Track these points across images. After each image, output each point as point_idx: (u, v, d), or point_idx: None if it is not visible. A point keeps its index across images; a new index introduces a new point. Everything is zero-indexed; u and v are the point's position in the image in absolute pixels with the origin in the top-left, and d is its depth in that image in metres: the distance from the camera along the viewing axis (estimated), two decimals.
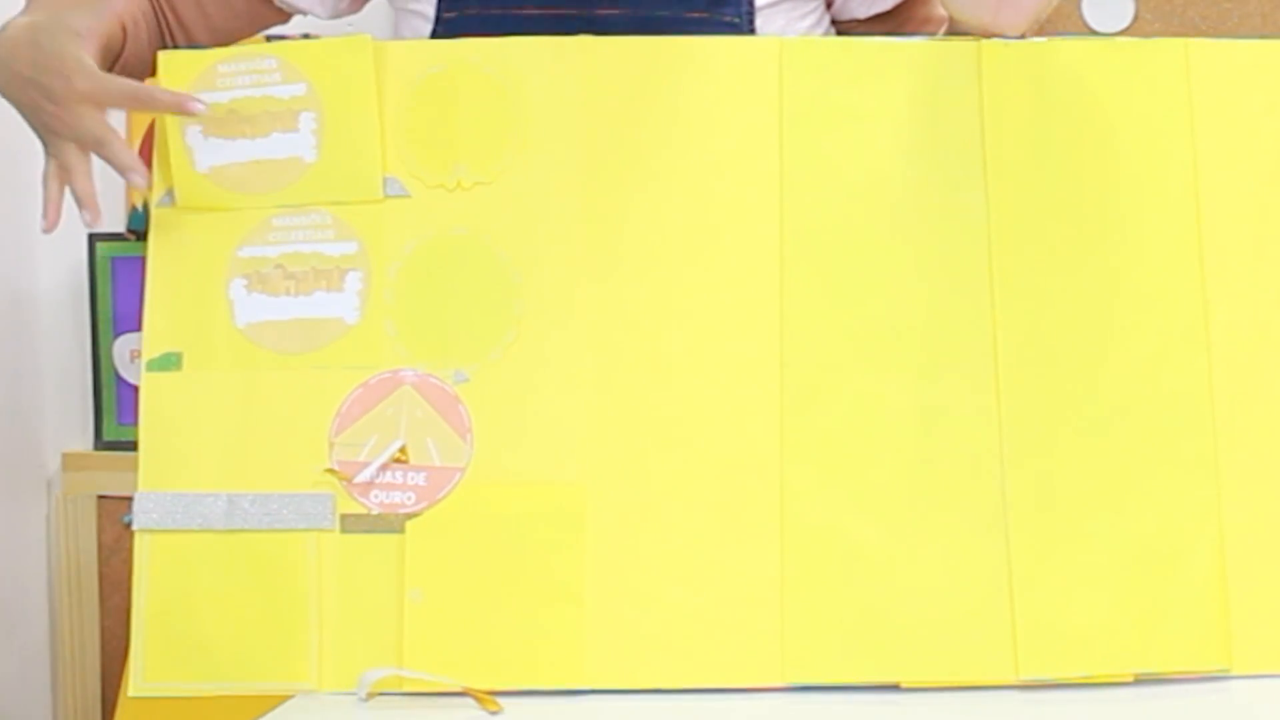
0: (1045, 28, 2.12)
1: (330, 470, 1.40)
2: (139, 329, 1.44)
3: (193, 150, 1.44)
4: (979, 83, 1.44)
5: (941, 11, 1.50)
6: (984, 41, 1.45)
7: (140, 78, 1.48)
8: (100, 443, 2.20)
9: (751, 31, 1.46)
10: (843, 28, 1.62)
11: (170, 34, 1.54)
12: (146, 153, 1.46)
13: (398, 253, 1.42)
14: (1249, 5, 2.11)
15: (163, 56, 1.45)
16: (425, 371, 1.41)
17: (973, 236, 1.42)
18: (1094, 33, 2.12)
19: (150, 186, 1.43)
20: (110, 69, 1.46)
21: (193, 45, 1.52)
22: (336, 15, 1.62)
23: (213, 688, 1.38)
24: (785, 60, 1.43)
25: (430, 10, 1.51)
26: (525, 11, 1.47)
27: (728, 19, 1.45)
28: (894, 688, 1.36)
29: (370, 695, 1.36)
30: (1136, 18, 2.13)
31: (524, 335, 1.41)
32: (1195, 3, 2.13)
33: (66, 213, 2.17)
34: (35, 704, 2.19)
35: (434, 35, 1.52)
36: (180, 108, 1.40)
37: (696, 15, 1.46)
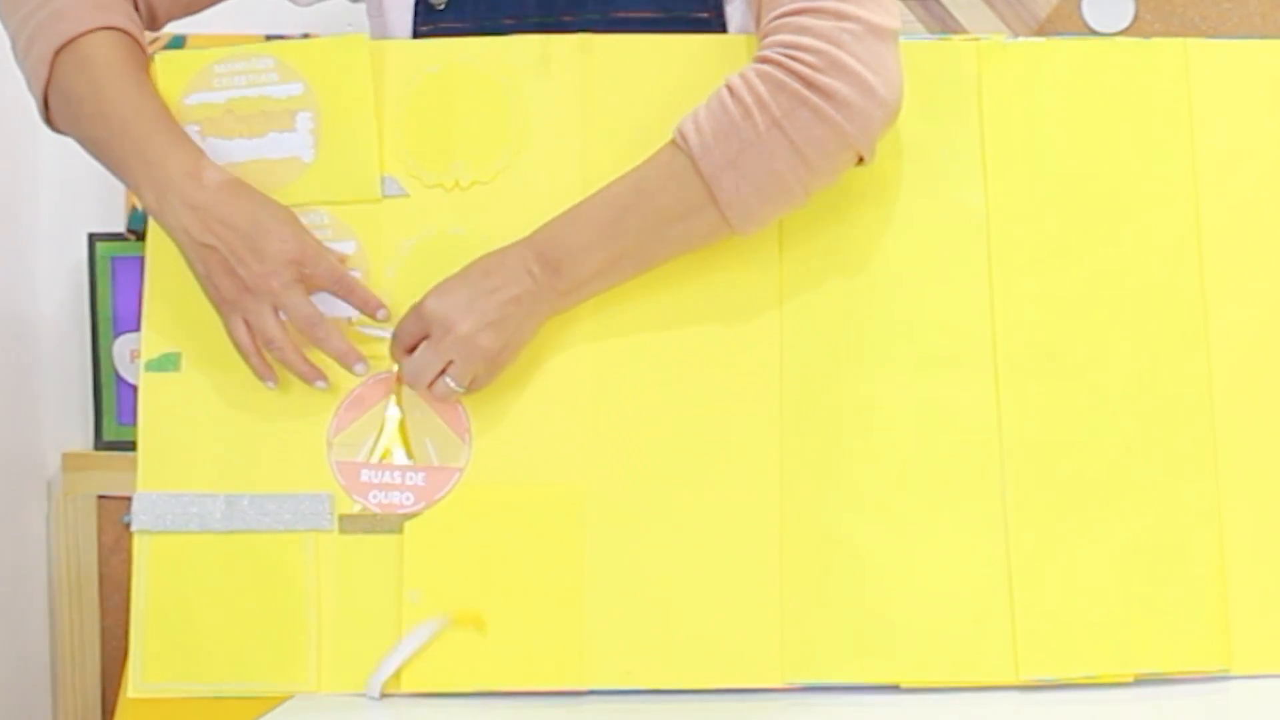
0: (1045, 28, 2.13)
1: (329, 470, 1.40)
2: (139, 329, 1.44)
3: None
4: (978, 83, 1.44)
5: None
6: (983, 41, 1.45)
7: None
8: (100, 443, 2.20)
9: (722, 23, 1.46)
10: None
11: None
12: None
13: (396, 252, 1.42)
14: (1249, 5, 2.11)
15: (159, 58, 1.45)
16: None
17: (972, 236, 1.42)
18: (1094, 33, 2.11)
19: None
20: None
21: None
22: None
23: (211, 689, 1.38)
24: None
25: (407, 19, 1.50)
26: (503, 21, 1.47)
27: (696, 15, 1.45)
28: (894, 688, 1.36)
29: (384, 695, 1.36)
30: (1136, 18, 2.13)
31: None
32: (1195, 3, 2.12)
33: (66, 212, 2.18)
34: (35, 704, 2.19)
35: None
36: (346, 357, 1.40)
37: (665, 15, 1.46)
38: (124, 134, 1.39)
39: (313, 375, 1.39)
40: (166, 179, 1.38)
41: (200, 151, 1.40)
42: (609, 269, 1.38)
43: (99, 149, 1.42)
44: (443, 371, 1.36)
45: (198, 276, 1.39)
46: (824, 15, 1.33)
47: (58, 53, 1.40)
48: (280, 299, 1.37)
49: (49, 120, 1.44)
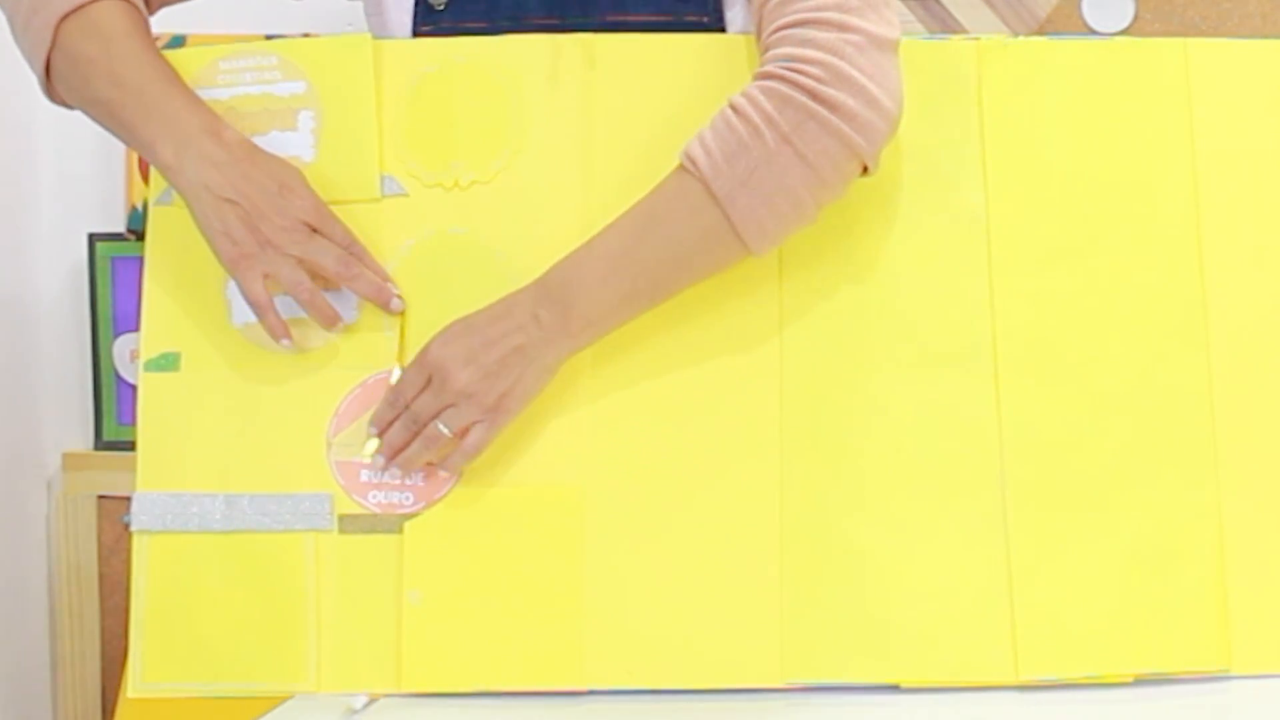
0: (1045, 28, 2.13)
1: (328, 470, 1.40)
2: (139, 329, 1.44)
3: None
4: (979, 83, 1.44)
5: None
6: (983, 41, 1.45)
7: None
8: (100, 443, 2.20)
9: (721, 27, 1.46)
10: None
11: None
12: None
13: (395, 252, 1.42)
14: (1249, 5, 2.11)
15: (166, 56, 1.44)
16: None
17: (972, 236, 1.42)
18: (1094, 33, 2.11)
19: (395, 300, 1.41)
20: None
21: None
22: None
23: (211, 688, 1.38)
24: None
25: (407, 19, 1.50)
26: (503, 22, 1.47)
27: (695, 18, 1.45)
28: (894, 688, 1.36)
29: (373, 697, 1.35)
30: (1136, 18, 2.13)
31: None
32: (1195, 3, 2.12)
33: (66, 210, 2.18)
34: (35, 704, 2.19)
35: None
36: (378, 296, 1.40)
37: (664, 18, 1.46)
38: (140, 93, 1.39)
39: (334, 319, 1.39)
40: (186, 135, 1.38)
41: (216, 113, 1.41)
42: (621, 304, 1.36)
43: (109, 110, 1.40)
44: (436, 415, 1.36)
45: (210, 234, 1.38)
46: (826, 27, 1.33)
47: (63, 19, 1.40)
48: (306, 248, 1.37)
49: (49, 91, 1.44)
